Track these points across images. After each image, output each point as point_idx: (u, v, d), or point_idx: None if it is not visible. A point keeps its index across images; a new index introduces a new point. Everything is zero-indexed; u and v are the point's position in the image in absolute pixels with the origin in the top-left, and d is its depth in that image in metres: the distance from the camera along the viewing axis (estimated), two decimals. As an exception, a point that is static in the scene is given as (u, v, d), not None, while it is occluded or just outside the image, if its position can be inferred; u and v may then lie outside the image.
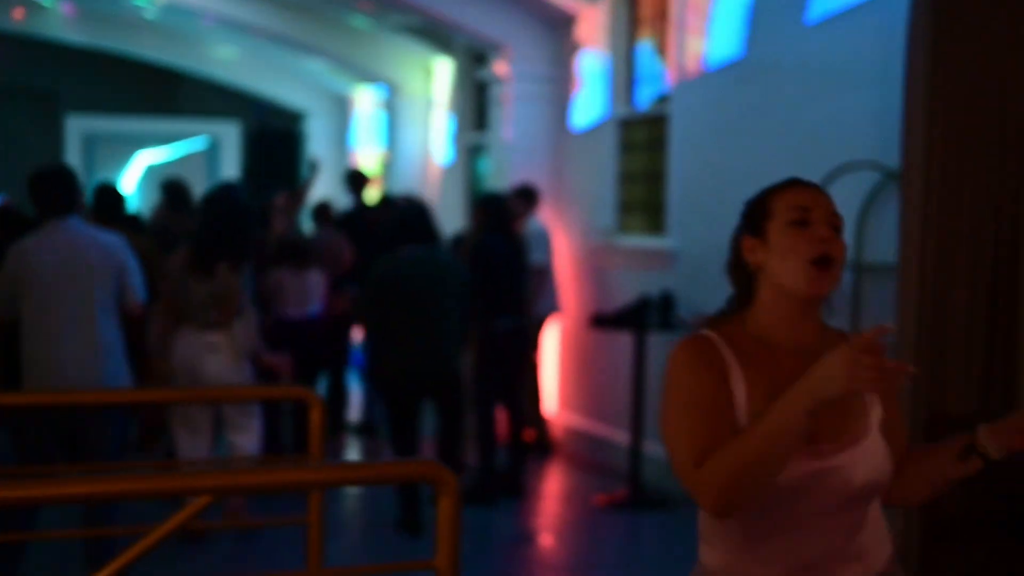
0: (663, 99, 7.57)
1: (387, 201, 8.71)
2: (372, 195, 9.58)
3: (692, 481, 2.05)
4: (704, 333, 2.18)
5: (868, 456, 2.09)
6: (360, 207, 8.83)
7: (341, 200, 10.45)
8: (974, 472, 2.14)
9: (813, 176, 5.95)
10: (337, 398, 7.88)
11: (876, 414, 2.16)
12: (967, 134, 4.56)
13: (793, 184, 2.19)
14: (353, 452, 8.14)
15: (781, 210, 2.13)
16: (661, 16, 7.61)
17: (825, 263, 2.08)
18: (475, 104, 10.46)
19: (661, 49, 7.64)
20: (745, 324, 2.18)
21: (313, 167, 9.36)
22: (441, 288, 5.97)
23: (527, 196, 7.88)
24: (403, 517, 5.98)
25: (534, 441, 7.95)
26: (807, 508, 2.06)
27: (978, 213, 4.57)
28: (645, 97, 7.90)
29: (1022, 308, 4.68)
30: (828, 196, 2.18)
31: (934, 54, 4.52)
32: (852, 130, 5.75)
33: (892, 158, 4.92)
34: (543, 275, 7.72)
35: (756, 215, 2.18)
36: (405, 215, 6.26)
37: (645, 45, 7.89)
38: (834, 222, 2.13)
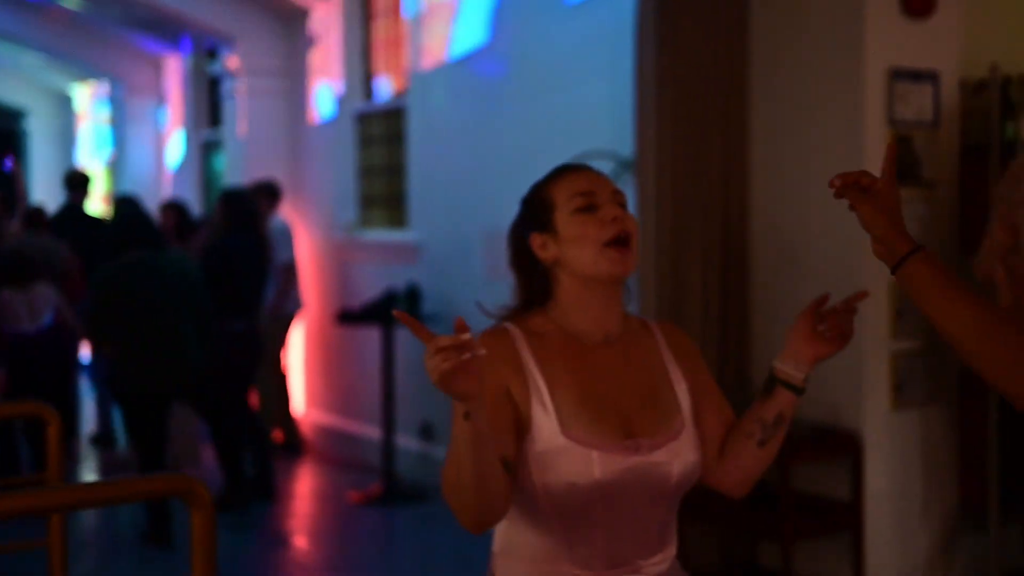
0: (401, 92, 7.56)
1: (118, 203, 8.33)
2: (95, 196, 9.14)
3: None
4: (504, 326, 2.09)
5: (684, 451, 2.05)
6: (74, 208, 8.38)
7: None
8: (788, 404, 2.11)
9: (554, 166, 6.06)
10: (68, 410, 7.50)
11: (687, 406, 2.11)
12: (695, 123, 4.75)
13: (567, 170, 2.10)
14: (89, 464, 7.79)
15: (564, 200, 2.05)
16: (396, 7, 7.59)
17: (622, 242, 2.02)
18: (208, 99, 10.17)
19: (397, 41, 7.62)
20: (550, 318, 2.09)
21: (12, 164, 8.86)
22: (171, 291, 5.77)
23: (270, 192, 7.72)
24: (152, 530, 5.77)
25: (283, 441, 7.81)
26: (626, 504, 2.01)
27: (708, 199, 4.77)
28: (384, 90, 7.87)
29: (751, 288, 4.92)
30: (604, 174, 2.12)
31: (661, 45, 4.68)
32: (588, 120, 5.89)
33: (627, 147, 5.06)
34: (289, 273, 7.58)
35: (538, 210, 2.08)
36: (125, 218, 6.02)
37: (381, 37, 7.85)
38: (619, 199, 2.07)
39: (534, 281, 2.11)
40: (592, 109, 5.88)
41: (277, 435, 7.69)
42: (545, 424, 1.99)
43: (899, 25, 4.56)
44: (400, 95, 7.56)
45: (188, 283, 5.87)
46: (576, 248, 2.03)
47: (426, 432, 7.08)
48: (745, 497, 4.78)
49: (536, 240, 2.08)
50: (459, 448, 1.89)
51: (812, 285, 4.68)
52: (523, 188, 6.54)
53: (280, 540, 6.03)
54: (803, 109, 4.72)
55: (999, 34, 5.14)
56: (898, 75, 4.53)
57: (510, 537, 2.09)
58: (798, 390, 2.11)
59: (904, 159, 4.56)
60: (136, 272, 5.74)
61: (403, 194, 7.53)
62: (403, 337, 6.97)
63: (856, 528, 4.54)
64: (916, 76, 4.58)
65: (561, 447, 1.98)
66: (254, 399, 6.74)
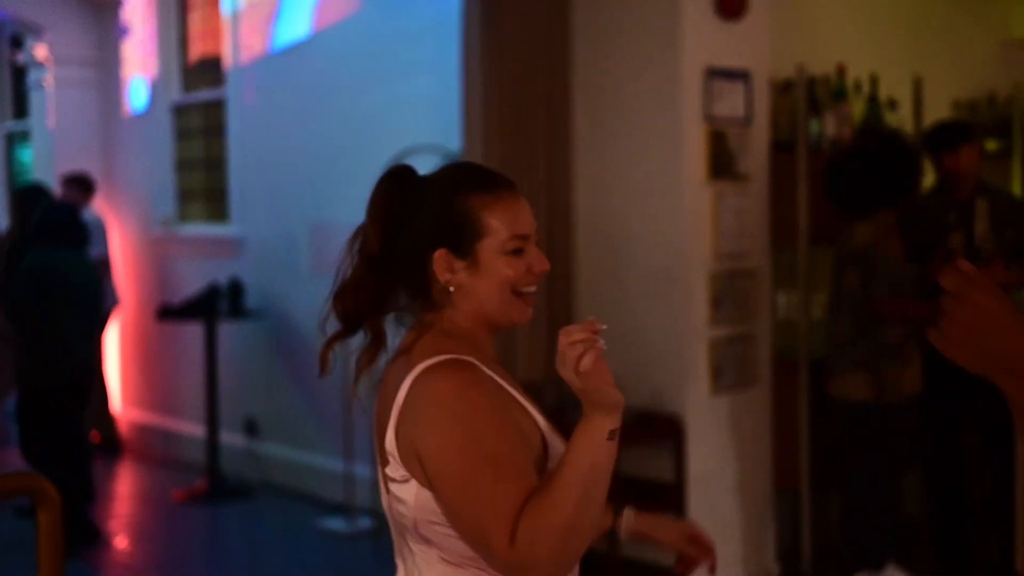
0: (219, 84, 7.45)
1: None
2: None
3: (511, 564, 1.61)
4: (459, 358, 1.73)
5: None
6: None
7: None
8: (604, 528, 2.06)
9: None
10: None
11: None
12: (521, 120, 4.86)
13: (506, 196, 1.79)
14: None
15: (499, 232, 1.75)
16: (213, -1, 7.48)
17: (535, 292, 1.83)
18: (13, 89, 9.79)
19: (215, 32, 7.51)
20: (460, 345, 1.78)
21: None
22: (82, 290, 5.78)
23: (83, 185, 7.49)
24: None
25: (101, 441, 7.62)
26: None
27: (534, 197, 4.88)
28: (201, 81, 7.74)
29: (576, 289, 5.06)
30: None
31: (486, 41, 4.77)
32: (414, 114, 5.94)
33: (453, 141, 5.14)
34: (104, 267, 7.39)
35: (461, 230, 1.76)
36: (49, 214, 5.83)
37: (198, 28, 7.72)
38: (536, 236, 1.84)
39: (414, 288, 1.82)
40: (418, 103, 5.93)
41: (94, 435, 7.49)
42: (557, 446, 1.79)
43: (713, 26, 4.76)
44: (218, 87, 7.45)
45: (93, 285, 5.88)
46: (490, 286, 1.77)
47: (250, 428, 7.01)
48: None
49: (442, 259, 1.76)
50: (596, 477, 1.62)
51: (636, 285, 4.85)
52: (348, 181, 6.65)
53: (101, 542, 5.88)
54: (624, 107, 4.88)
55: (806, 35, 5.43)
56: (713, 74, 4.73)
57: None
58: (614, 534, 2.11)
59: (719, 154, 4.76)
60: (63, 268, 5.69)
61: (223, 188, 7.43)
62: (226, 332, 6.89)
63: (679, 508, 4.73)
64: (730, 75, 4.79)
65: None
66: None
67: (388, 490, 1.76)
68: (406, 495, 1.71)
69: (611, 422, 1.63)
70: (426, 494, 1.68)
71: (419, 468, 1.69)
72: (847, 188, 4.54)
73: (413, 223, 1.79)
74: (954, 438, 5.04)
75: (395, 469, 1.71)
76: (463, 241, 1.76)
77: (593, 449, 1.62)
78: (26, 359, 5.68)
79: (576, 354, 1.57)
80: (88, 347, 5.89)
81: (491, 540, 1.60)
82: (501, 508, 1.60)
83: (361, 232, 1.82)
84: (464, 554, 1.70)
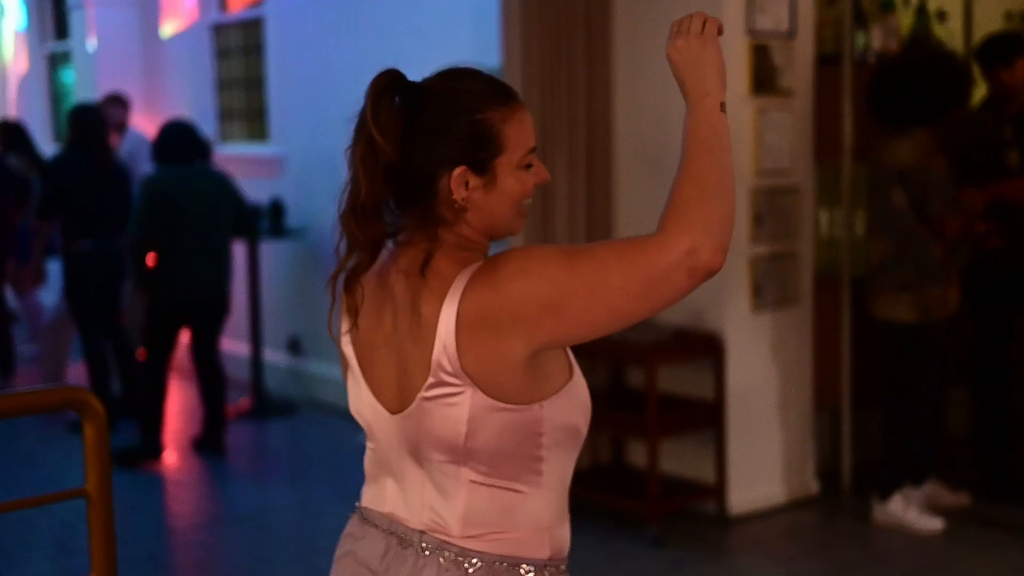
0: (258, 2, 7.41)
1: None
2: None
3: (696, 260, 1.54)
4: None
5: None
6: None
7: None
8: None
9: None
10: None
11: None
12: (560, 34, 4.80)
13: (519, 109, 1.73)
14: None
15: (516, 147, 1.69)
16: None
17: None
18: (54, 10, 9.79)
19: (252, -50, 7.46)
20: (468, 250, 1.72)
21: None
22: (210, 205, 5.81)
23: (124, 104, 7.51)
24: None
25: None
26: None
27: (573, 109, 4.84)
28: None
29: (616, 197, 5.03)
30: None
31: (527, -44, 4.69)
32: (453, 29, 5.89)
33: (492, 58, 5.08)
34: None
35: (484, 148, 1.68)
36: (166, 135, 5.88)
37: (235, -54, 7.66)
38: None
39: (422, 210, 1.72)
40: (457, 18, 5.88)
41: (142, 353, 7.58)
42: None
43: (757, -63, 4.66)
44: (257, 4, 7.41)
45: (227, 199, 5.89)
46: (503, 202, 1.70)
47: (294, 347, 7.08)
48: (612, 398, 4.92)
49: (461, 176, 1.68)
50: (721, 142, 1.61)
51: (675, 193, 4.80)
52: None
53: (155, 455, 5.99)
54: (664, 21, 4.77)
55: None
56: (757, -14, 4.64)
57: (487, 509, 1.71)
58: None
59: (761, 68, 4.69)
60: (180, 183, 5.74)
61: (263, 107, 7.42)
62: (268, 252, 6.93)
63: (719, 426, 4.74)
64: (774, -13, 4.69)
65: (579, 378, 1.77)
66: (122, 316, 6.63)
67: (413, 411, 1.69)
68: (456, 409, 1.64)
69: (721, 94, 1.65)
70: (485, 401, 1.63)
71: (493, 371, 1.62)
72: (888, 102, 4.47)
73: (424, 136, 1.68)
74: (999, 355, 5.01)
75: (441, 386, 1.65)
76: (484, 158, 1.68)
77: (709, 120, 1.63)
78: (156, 277, 5.75)
79: (701, 20, 1.65)
80: (212, 277, 5.84)
81: (649, 257, 1.55)
82: (630, 240, 1.58)
83: (368, 144, 1.67)
84: (503, 472, 1.68)
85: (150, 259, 5.73)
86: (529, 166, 1.72)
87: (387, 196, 1.70)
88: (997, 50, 4.84)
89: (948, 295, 4.49)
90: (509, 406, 1.65)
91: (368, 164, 1.67)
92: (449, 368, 1.63)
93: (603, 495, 4.79)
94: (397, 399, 1.72)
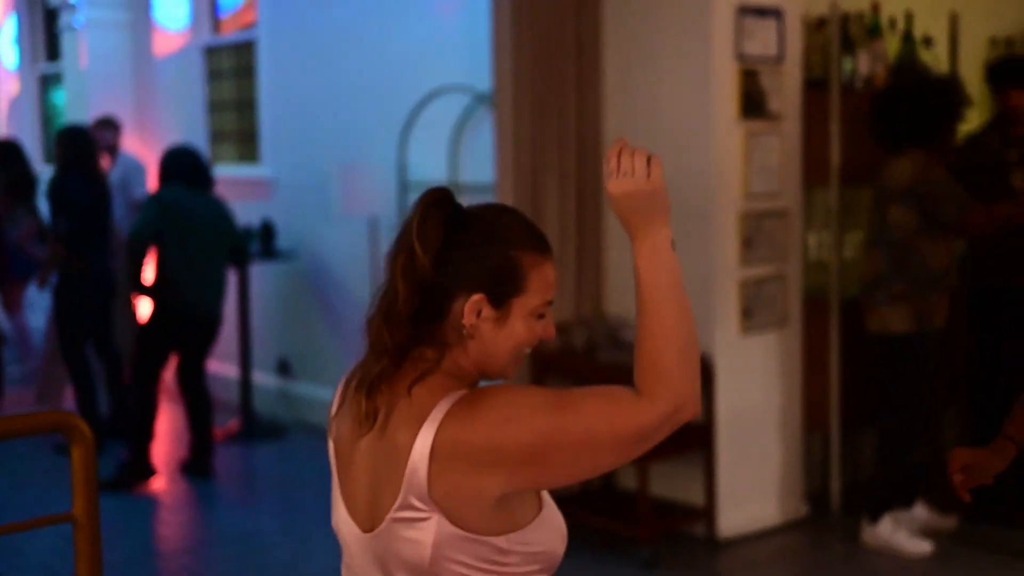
0: (250, 25, 7.43)
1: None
2: None
3: (666, 416, 1.61)
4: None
5: None
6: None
7: None
8: None
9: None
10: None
11: None
12: (551, 57, 4.82)
13: (549, 261, 1.76)
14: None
15: (536, 295, 1.73)
16: (242, -61, 7.44)
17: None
18: (46, 31, 9.81)
19: (244, -27, 7.49)
20: (457, 379, 1.73)
21: None
22: (208, 227, 5.83)
23: (116, 127, 7.52)
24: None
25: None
26: None
27: (563, 131, 4.86)
28: (231, 22, 7.72)
29: (606, 219, 5.05)
30: None
31: (517, -20, 4.72)
32: (444, 52, 5.91)
33: (482, 81, 5.11)
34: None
35: (507, 283, 1.71)
36: (176, 156, 5.90)
37: (227, -31, 7.69)
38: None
39: (428, 329, 1.73)
40: (448, 42, 5.90)
41: (130, 374, 7.57)
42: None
43: (746, -38, 4.69)
44: (249, 27, 7.44)
45: (227, 226, 5.95)
46: (507, 342, 1.73)
47: (283, 368, 7.07)
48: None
49: (477, 303, 1.70)
50: (678, 288, 1.63)
51: (664, 216, 4.82)
52: (379, 121, 6.60)
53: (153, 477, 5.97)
54: (654, 44, 4.83)
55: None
56: (745, 11, 4.67)
57: None
58: None
59: (751, 93, 4.72)
60: (189, 202, 5.77)
61: (255, 129, 7.44)
62: (257, 273, 6.93)
63: (708, 448, 4.74)
64: (762, 12, 4.72)
65: (549, 511, 1.77)
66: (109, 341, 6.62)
67: (382, 531, 1.69)
68: (422, 534, 1.64)
69: (668, 232, 1.65)
70: (451, 529, 1.63)
71: (461, 503, 1.63)
72: (884, 125, 4.60)
73: (457, 257, 1.70)
74: (998, 374, 5.02)
75: (409, 509, 1.64)
76: (505, 293, 1.71)
77: (665, 264, 1.64)
78: (157, 289, 5.75)
79: (644, 163, 1.64)
80: (211, 295, 5.85)
81: (635, 423, 1.60)
82: (612, 404, 1.61)
83: (409, 255, 1.69)
84: None
85: (148, 268, 5.74)
86: (541, 316, 1.74)
87: (417, 307, 1.70)
88: (1008, 71, 4.91)
89: (942, 305, 4.58)
90: (475, 536, 1.64)
91: (407, 274, 1.69)
92: (417, 493, 1.63)
93: (594, 518, 4.79)
94: (368, 518, 1.72)
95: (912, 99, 4.57)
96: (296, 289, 7.01)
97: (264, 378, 7.04)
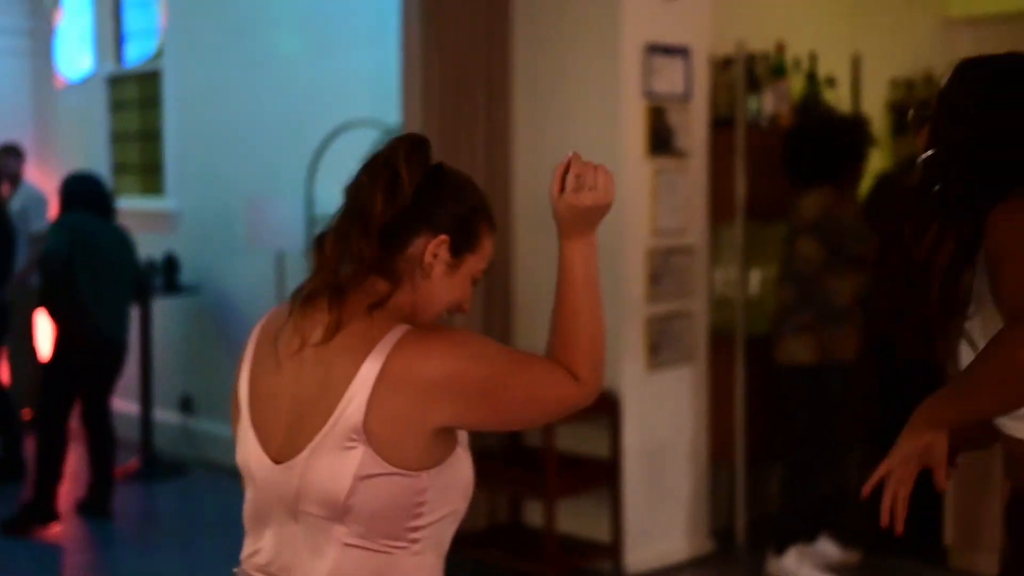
0: (156, 55, 7.32)
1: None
2: None
3: (586, 395, 1.78)
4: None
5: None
6: None
7: None
8: None
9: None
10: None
11: None
12: (460, 94, 4.82)
13: (493, 239, 1.89)
14: None
15: (481, 259, 1.84)
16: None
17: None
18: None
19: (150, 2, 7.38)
20: (398, 319, 1.76)
21: None
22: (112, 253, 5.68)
23: (20, 155, 7.34)
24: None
25: (33, 419, 7.48)
26: None
27: (473, 169, 4.85)
28: (136, 52, 7.60)
29: (515, 259, 5.04)
30: None
31: (426, 15, 4.72)
32: (354, 87, 5.88)
33: (392, 116, 5.08)
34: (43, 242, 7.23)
35: (468, 237, 1.81)
36: (79, 181, 5.72)
37: (132, -2, 7.58)
38: None
39: (382, 260, 1.77)
40: (357, 76, 5.87)
41: (27, 413, 7.37)
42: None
43: (654, 2, 4.74)
44: (155, 58, 7.33)
45: (131, 256, 5.82)
46: (444, 295, 1.80)
47: (185, 405, 6.93)
48: (509, 458, 4.92)
49: (441, 244, 1.78)
50: (595, 286, 1.87)
51: (573, 252, 4.83)
52: (286, 154, 6.54)
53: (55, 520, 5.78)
54: (563, 82, 4.85)
55: (745, 12, 5.43)
56: (652, 50, 4.71)
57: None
58: None
59: (658, 130, 4.75)
60: (96, 229, 5.62)
61: (159, 161, 7.31)
62: (161, 308, 6.80)
63: (615, 484, 4.74)
64: (669, 51, 4.77)
65: (463, 452, 1.82)
66: (4, 375, 6.43)
67: (299, 461, 1.69)
68: (344, 464, 1.65)
69: (594, 236, 1.86)
70: (376, 461, 1.65)
71: (396, 432, 1.65)
72: (794, 163, 4.74)
73: (433, 196, 1.78)
74: (898, 409, 5.08)
75: (335, 437, 1.66)
76: (463, 244, 1.80)
77: (594, 264, 1.85)
78: (60, 318, 5.57)
79: (607, 178, 1.82)
80: (119, 321, 5.69)
81: (563, 393, 1.76)
82: (551, 369, 1.77)
83: (394, 178, 1.75)
84: (378, 535, 1.70)
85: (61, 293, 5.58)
86: (475, 284, 1.86)
87: (392, 223, 1.75)
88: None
89: (848, 338, 4.65)
90: (396, 470, 1.67)
91: (388, 191, 1.75)
92: (350, 421, 1.65)
93: (500, 555, 4.75)
94: (284, 448, 1.73)
95: (820, 137, 4.73)
96: (200, 324, 6.89)
97: (166, 415, 6.89)
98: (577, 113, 4.81)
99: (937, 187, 1.98)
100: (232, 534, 1.80)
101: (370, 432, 1.65)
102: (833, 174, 4.68)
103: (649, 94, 4.71)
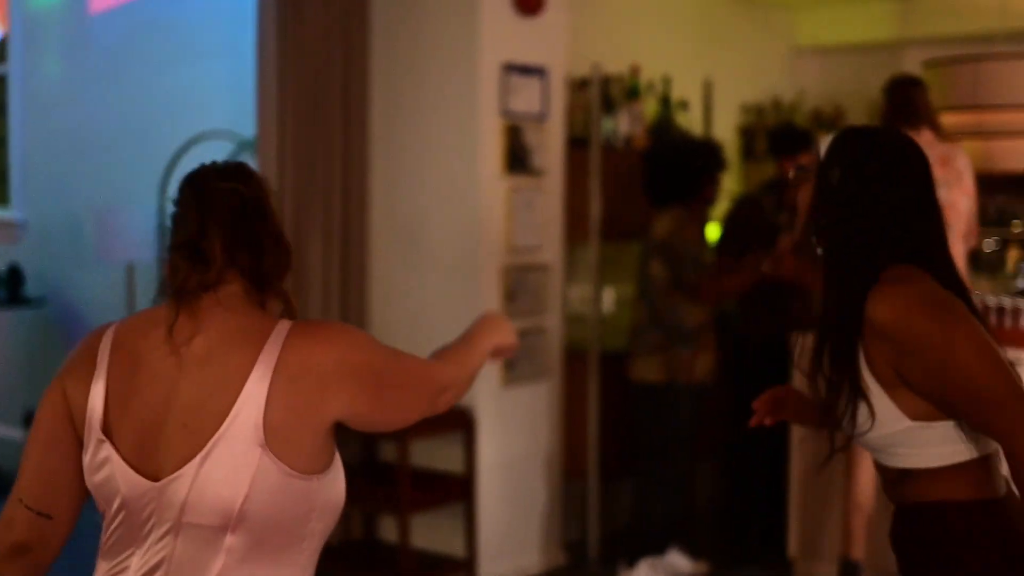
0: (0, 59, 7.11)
1: None
2: None
3: (445, 368, 1.99)
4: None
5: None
6: None
7: None
8: None
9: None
10: None
11: None
12: (317, 107, 4.79)
13: None
14: None
15: None
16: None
17: None
18: None
19: (-4, 6, 7.16)
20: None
21: None
22: None
23: None
24: None
25: None
26: None
27: (329, 182, 4.83)
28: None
29: (371, 272, 5.02)
30: None
31: (282, 26, 4.68)
32: (209, 97, 5.79)
33: (247, 127, 5.03)
34: None
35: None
36: None
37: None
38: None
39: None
40: (212, 87, 5.79)
41: None
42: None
43: (511, 22, 4.79)
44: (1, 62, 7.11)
45: None
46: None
47: (29, 420, 6.71)
48: (364, 473, 4.89)
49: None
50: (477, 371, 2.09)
51: (430, 269, 4.85)
52: (138, 165, 6.41)
53: None
54: (421, 99, 4.87)
55: (602, 35, 5.53)
56: (510, 69, 4.76)
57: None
58: None
59: (515, 149, 4.80)
60: None
61: (4, 169, 7.09)
62: (3, 322, 6.58)
63: (469, 499, 4.75)
64: (527, 71, 4.83)
65: (339, 461, 1.89)
66: None
67: (186, 472, 1.64)
68: (242, 468, 1.62)
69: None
70: (273, 464, 1.63)
71: (295, 427, 1.65)
72: (650, 183, 4.87)
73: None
74: (748, 426, 5.20)
75: (231, 441, 1.62)
76: None
77: (480, 362, 2.09)
78: None
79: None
80: None
81: (439, 378, 1.91)
82: (422, 360, 1.91)
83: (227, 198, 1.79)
84: (269, 547, 1.67)
85: None
86: None
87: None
88: (788, 141, 5.24)
89: (697, 360, 4.75)
90: (292, 472, 1.65)
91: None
92: (249, 420, 1.62)
93: (355, 572, 4.72)
94: (164, 462, 1.66)
95: (675, 159, 4.88)
96: (45, 337, 6.68)
97: (7, 431, 6.66)
98: (434, 130, 4.83)
99: (819, 251, 2.04)
100: (78, 551, 1.74)
101: (269, 429, 1.62)
102: (685, 195, 4.82)
103: (506, 113, 4.76)
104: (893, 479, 2.04)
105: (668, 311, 4.73)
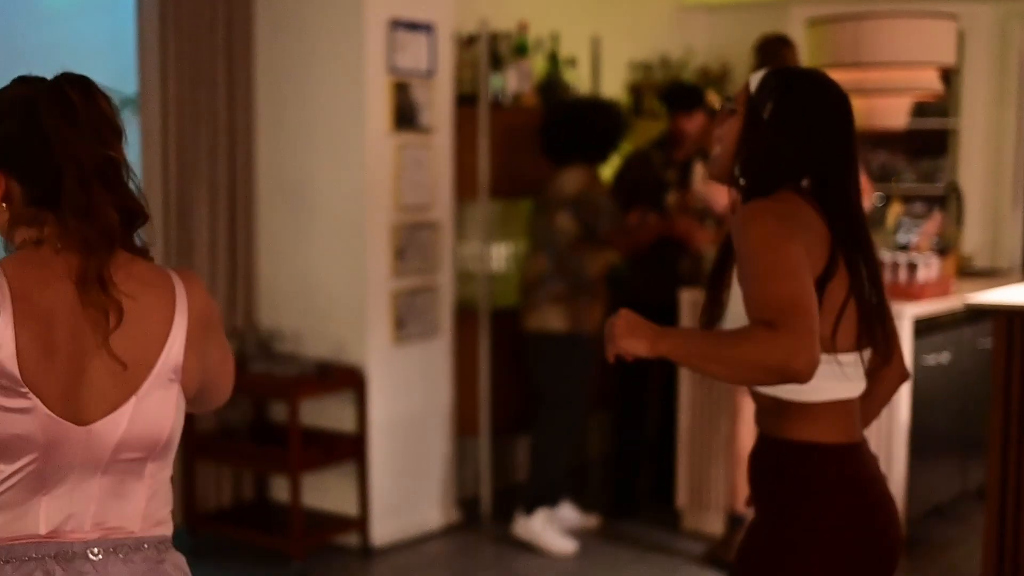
0: None
1: None
2: None
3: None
4: None
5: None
6: None
7: None
8: None
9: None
10: None
11: None
12: (200, 64, 4.71)
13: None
14: None
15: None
16: None
17: None
18: None
19: None
20: None
21: None
22: None
23: None
24: None
25: None
26: None
27: (214, 139, 4.76)
28: None
29: (258, 229, 4.98)
30: None
31: (164, -18, 4.58)
32: (90, 54, 5.64)
33: (130, 84, 4.92)
34: None
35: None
36: None
37: None
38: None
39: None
40: (94, 43, 5.64)
41: None
42: None
43: (398, -23, 4.76)
44: None
45: None
46: None
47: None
48: (254, 434, 4.87)
49: None
50: None
51: (318, 228, 4.82)
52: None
53: None
54: (307, 56, 4.81)
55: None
56: (396, 25, 4.73)
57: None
58: None
59: (402, 106, 4.78)
60: None
61: None
62: None
63: (361, 458, 4.76)
64: (413, 27, 4.80)
65: None
66: None
67: (119, 415, 1.75)
68: (169, 405, 1.79)
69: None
70: (179, 390, 1.82)
71: (196, 365, 1.83)
72: (557, 142, 4.90)
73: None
74: (638, 380, 5.29)
75: (161, 383, 1.77)
76: None
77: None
78: None
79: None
80: None
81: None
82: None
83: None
84: (170, 461, 1.86)
85: None
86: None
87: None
88: (681, 98, 5.27)
89: (596, 309, 4.84)
90: (186, 398, 1.85)
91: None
92: (174, 360, 1.79)
93: (246, 532, 4.71)
94: (93, 409, 1.73)
95: (581, 118, 4.90)
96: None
97: None
98: (321, 87, 4.78)
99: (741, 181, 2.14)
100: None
101: (184, 367, 1.80)
102: (590, 154, 4.87)
103: (393, 69, 4.73)
104: (767, 407, 2.10)
105: (573, 263, 4.81)
